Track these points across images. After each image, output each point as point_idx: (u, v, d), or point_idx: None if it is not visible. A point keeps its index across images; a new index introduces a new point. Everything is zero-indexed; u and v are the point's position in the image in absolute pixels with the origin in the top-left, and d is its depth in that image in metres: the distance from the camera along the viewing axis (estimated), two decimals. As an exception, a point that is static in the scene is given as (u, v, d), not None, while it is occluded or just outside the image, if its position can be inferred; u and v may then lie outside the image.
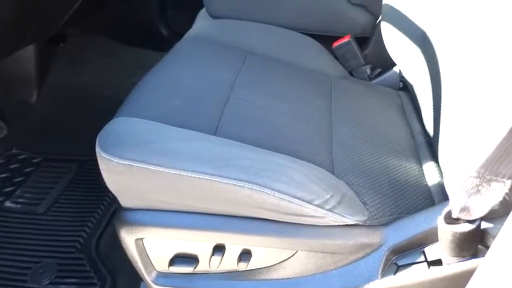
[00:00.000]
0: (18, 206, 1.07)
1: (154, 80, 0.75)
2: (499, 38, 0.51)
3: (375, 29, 0.95)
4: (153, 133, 0.61)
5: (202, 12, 1.02)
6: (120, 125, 0.62)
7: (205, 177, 0.56)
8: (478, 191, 0.45)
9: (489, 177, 0.44)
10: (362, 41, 0.99)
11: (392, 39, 0.87)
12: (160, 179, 0.57)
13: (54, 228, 1.00)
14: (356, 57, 0.95)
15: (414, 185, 0.68)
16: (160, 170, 0.56)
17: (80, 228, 0.99)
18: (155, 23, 1.55)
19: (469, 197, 0.46)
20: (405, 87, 0.94)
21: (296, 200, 0.56)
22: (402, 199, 0.65)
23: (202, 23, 0.99)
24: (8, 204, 1.07)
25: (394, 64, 0.93)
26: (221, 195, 0.57)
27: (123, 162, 0.56)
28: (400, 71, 0.94)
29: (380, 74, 0.98)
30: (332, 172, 0.65)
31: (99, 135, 0.60)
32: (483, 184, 0.45)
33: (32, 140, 1.21)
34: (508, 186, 0.44)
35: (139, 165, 0.56)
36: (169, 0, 1.53)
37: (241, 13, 0.97)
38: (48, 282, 0.87)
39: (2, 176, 1.14)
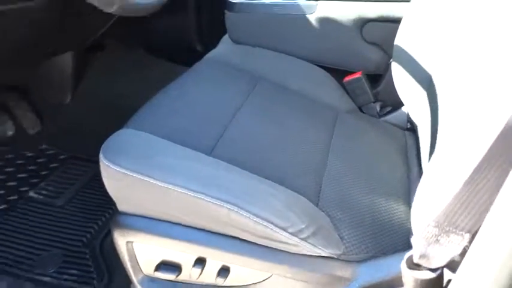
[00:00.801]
0: (40, 197, 1.16)
1: (166, 96, 0.82)
2: (495, 96, 0.52)
3: (388, 67, 0.97)
4: (152, 147, 0.67)
5: (226, 37, 1.08)
6: (125, 136, 0.68)
7: (190, 194, 0.60)
8: (438, 240, 0.47)
9: (448, 228, 0.45)
10: (375, 77, 1.01)
11: (402, 79, 0.89)
12: (151, 189, 0.62)
13: (68, 222, 1.08)
14: (366, 94, 0.98)
15: (397, 226, 0.69)
16: (152, 181, 0.61)
17: (89, 225, 1.06)
18: (191, 40, 1.64)
19: (428, 245, 0.48)
20: (412, 128, 0.96)
21: (271, 225, 0.59)
22: (382, 239, 0.66)
23: (223, 46, 1.05)
24: (31, 194, 1.16)
25: (403, 104, 0.95)
26: (203, 211, 0.61)
27: (120, 171, 0.62)
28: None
29: (389, 112, 0.99)
30: (317, 204, 0.68)
31: (104, 143, 0.67)
32: (442, 235, 0.46)
33: (61, 138, 1.31)
34: (466, 239, 0.45)
35: (133, 175, 0.62)
36: (206, 19, 1.61)
37: (260, 41, 1.03)
38: (52, 270, 0.94)
39: (30, 168, 1.24)
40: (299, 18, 0.98)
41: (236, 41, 1.05)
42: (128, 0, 0.67)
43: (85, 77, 1.40)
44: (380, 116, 1.00)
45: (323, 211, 0.67)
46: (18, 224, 1.07)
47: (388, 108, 1.00)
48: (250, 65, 0.96)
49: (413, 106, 0.88)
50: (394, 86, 0.93)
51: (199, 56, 1.04)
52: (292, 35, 1.01)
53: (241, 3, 1.04)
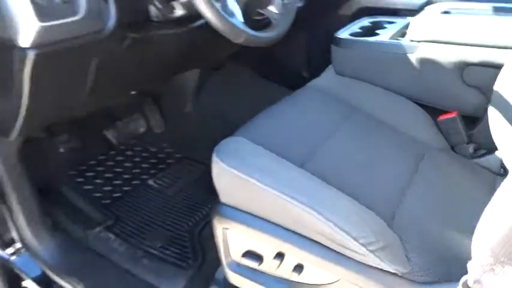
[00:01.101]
0: (156, 185, 1.40)
1: (271, 113, 0.96)
2: None
3: (486, 111, 0.99)
4: (254, 154, 0.81)
5: (330, 67, 1.20)
6: (234, 143, 0.84)
7: (281, 195, 0.73)
8: (492, 269, 0.50)
9: (503, 259, 0.49)
10: (470, 119, 1.03)
11: (498, 124, 0.91)
12: (249, 187, 0.76)
13: (175, 209, 1.29)
14: (459, 134, 1.01)
15: (469, 258, 0.72)
16: (250, 180, 0.75)
17: (192, 215, 1.25)
18: (300, 67, 1.80)
19: (483, 273, 0.52)
20: (505, 173, 0.95)
21: (344, 233, 0.68)
22: (450, 267, 0.70)
23: (326, 76, 1.17)
24: (150, 182, 1.41)
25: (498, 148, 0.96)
26: (289, 212, 0.73)
27: (227, 168, 0.77)
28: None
29: (483, 155, 1.00)
30: (390, 225, 0.75)
31: (218, 145, 0.83)
32: (497, 264, 0.50)
33: (179, 140, 1.56)
34: (522, 273, 0.49)
35: (237, 173, 0.76)
36: (315, 50, 1.76)
37: (360, 74, 1.12)
38: (159, 246, 1.14)
39: (152, 161, 1.50)
40: (400, 56, 1.06)
41: (339, 73, 1.16)
42: (253, 34, 0.83)
43: (205, 90, 1.65)
44: (472, 158, 1.01)
45: (394, 232, 0.73)
46: (137, 204, 1.31)
47: (482, 151, 1.01)
48: (349, 96, 1.06)
49: (507, 152, 0.89)
50: (489, 129, 0.94)
51: (304, 82, 1.18)
52: (392, 71, 1.08)
53: (346, 40, 1.15)
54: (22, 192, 1.04)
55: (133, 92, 1.29)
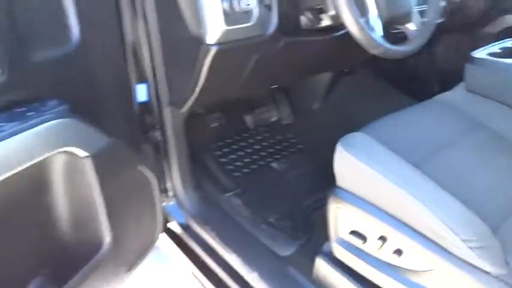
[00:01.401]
0: (279, 168, 1.61)
1: (395, 117, 1.07)
2: None
3: None
4: (373, 147, 0.94)
5: (460, 84, 1.24)
6: (357, 136, 0.98)
7: (393, 186, 0.85)
8: None
9: None
10: None
11: None
12: (364, 174, 0.89)
13: (292, 190, 1.48)
14: None
15: None
16: (366, 169, 0.88)
17: (306, 197, 1.42)
18: (431, 81, 1.83)
19: None
20: None
21: (447, 227, 0.77)
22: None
23: (456, 91, 1.22)
24: (273, 165, 1.62)
25: None
26: (399, 202, 0.84)
27: (347, 155, 0.92)
28: None
29: None
30: (495, 232, 0.81)
31: (343, 137, 0.98)
32: None
33: (304, 132, 1.75)
34: None
35: (356, 161, 0.90)
36: (448, 66, 1.76)
37: (493, 94, 1.14)
38: (276, 217, 1.34)
39: (277, 147, 1.72)
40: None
41: (470, 90, 1.20)
42: (390, 48, 0.96)
43: (334, 92, 1.80)
44: None
45: (498, 239, 0.79)
46: (261, 181, 1.54)
47: None
48: (477, 112, 1.09)
49: None
50: None
51: (431, 95, 1.24)
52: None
53: (482, 59, 1.18)
54: (180, 154, 1.34)
55: (273, 86, 1.51)
